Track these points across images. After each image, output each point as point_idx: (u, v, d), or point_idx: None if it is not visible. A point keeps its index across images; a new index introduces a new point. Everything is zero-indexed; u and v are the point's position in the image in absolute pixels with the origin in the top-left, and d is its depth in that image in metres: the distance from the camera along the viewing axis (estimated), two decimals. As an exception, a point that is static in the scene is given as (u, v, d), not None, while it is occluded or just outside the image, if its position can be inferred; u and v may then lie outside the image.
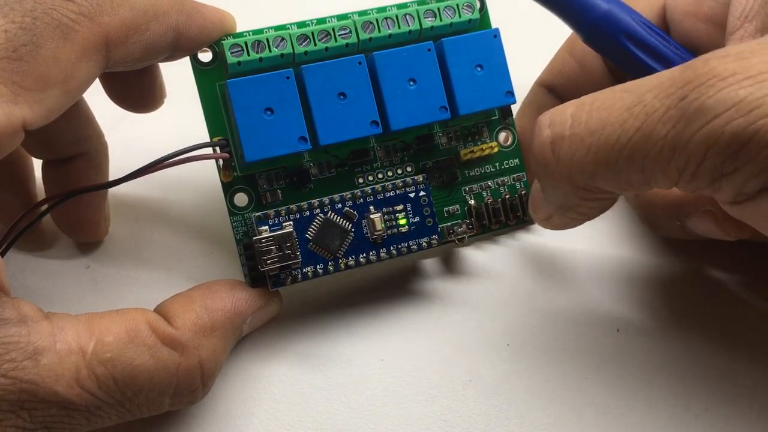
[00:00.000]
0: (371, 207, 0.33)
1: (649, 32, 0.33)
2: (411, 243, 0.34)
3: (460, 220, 0.36)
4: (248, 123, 0.32)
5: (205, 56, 0.33)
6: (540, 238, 0.37)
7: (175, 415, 0.32)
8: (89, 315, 0.28)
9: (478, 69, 0.35)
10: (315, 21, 0.34)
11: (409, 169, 0.36)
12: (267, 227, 0.32)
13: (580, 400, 0.33)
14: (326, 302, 0.35)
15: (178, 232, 0.37)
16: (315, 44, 0.33)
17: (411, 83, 0.34)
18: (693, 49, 0.34)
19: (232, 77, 0.32)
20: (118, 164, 0.35)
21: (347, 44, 0.33)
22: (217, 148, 0.33)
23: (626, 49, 0.34)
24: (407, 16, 0.34)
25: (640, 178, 0.27)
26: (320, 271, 0.32)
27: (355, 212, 0.33)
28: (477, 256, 0.37)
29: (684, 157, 0.25)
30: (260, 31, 0.33)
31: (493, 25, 0.37)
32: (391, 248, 0.33)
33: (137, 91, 0.34)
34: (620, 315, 0.35)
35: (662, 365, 0.34)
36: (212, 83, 0.33)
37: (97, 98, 0.33)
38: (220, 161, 0.33)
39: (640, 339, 0.35)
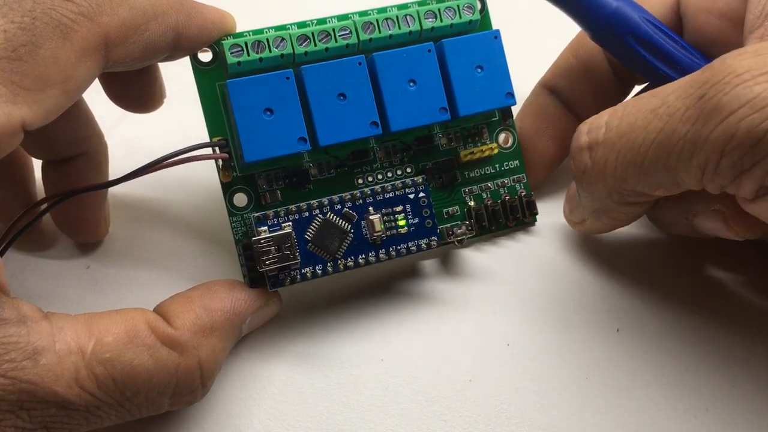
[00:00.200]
0: (371, 208, 0.33)
1: (656, 32, 0.33)
2: (410, 244, 0.34)
3: (459, 222, 0.36)
4: (248, 123, 0.32)
5: (205, 56, 0.33)
6: (540, 239, 0.37)
7: (174, 415, 0.32)
8: (88, 315, 0.28)
9: (479, 70, 0.35)
10: (315, 21, 0.34)
11: (408, 170, 0.36)
12: (266, 228, 0.32)
13: (580, 400, 0.33)
14: (326, 302, 0.35)
15: (178, 233, 0.37)
16: (315, 45, 0.33)
17: (411, 84, 0.34)
18: (706, 45, 0.34)
19: (231, 77, 0.32)
20: (118, 164, 0.35)
21: (347, 45, 0.33)
22: (217, 149, 0.33)
23: (632, 49, 0.34)
24: (408, 17, 0.34)
25: (667, 177, 0.28)
26: (319, 272, 0.32)
27: (354, 213, 0.33)
28: (476, 257, 0.37)
29: (704, 155, 0.26)
30: (260, 31, 0.33)
31: (494, 27, 0.36)
32: (391, 249, 0.33)
33: (137, 91, 0.34)
34: (620, 315, 0.35)
35: (662, 365, 0.34)
36: (212, 83, 0.33)
37: (96, 98, 0.33)
38: (220, 161, 0.33)
39: (640, 339, 0.35)
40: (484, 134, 0.37)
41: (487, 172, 0.37)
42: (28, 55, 0.25)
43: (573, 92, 0.38)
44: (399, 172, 0.36)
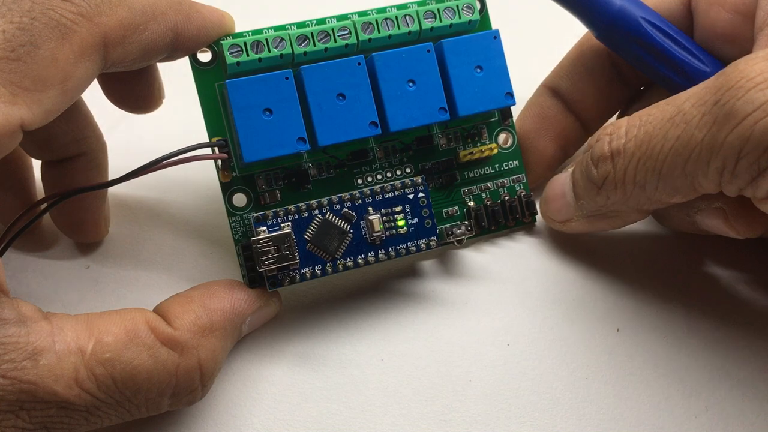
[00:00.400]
0: (370, 208, 0.33)
1: (657, 35, 0.33)
2: (410, 244, 0.34)
3: (459, 222, 0.36)
4: (247, 123, 0.32)
5: (204, 56, 0.33)
6: (539, 239, 0.37)
7: (174, 415, 0.32)
8: (88, 315, 0.28)
9: (478, 70, 0.35)
10: (314, 21, 0.34)
11: (408, 170, 0.36)
12: (265, 228, 0.32)
13: (580, 400, 0.33)
14: (326, 302, 0.35)
15: (178, 233, 0.37)
16: (314, 45, 0.33)
17: (410, 84, 0.34)
18: (717, 40, 0.34)
19: (231, 77, 0.32)
20: (117, 164, 0.35)
21: (347, 45, 0.33)
22: (216, 149, 0.33)
23: (635, 51, 0.34)
24: (407, 17, 0.34)
25: (685, 183, 0.29)
26: (318, 272, 0.32)
27: (353, 213, 0.33)
28: (476, 257, 0.37)
29: (720, 159, 0.27)
30: (259, 32, 0.33)
31: (493, 27, 0.36)
32: (390, 249, 0.33)
33: (135, 91, 0.34)
34: (620, 315, 0.35)
35: (662, 365, 0.34)
36: (211, 83, 0.33)
37: (96, 98, 0.34)
38: (219, 161, 0.33)
39: (640, 339, 0.35)
40: (484, 134, 0.37)
41: (486, 173, 0.37)
42: (27, 56, 0.25)
43: (575, 93, 0.38)
44: (398, 173, 0.36)
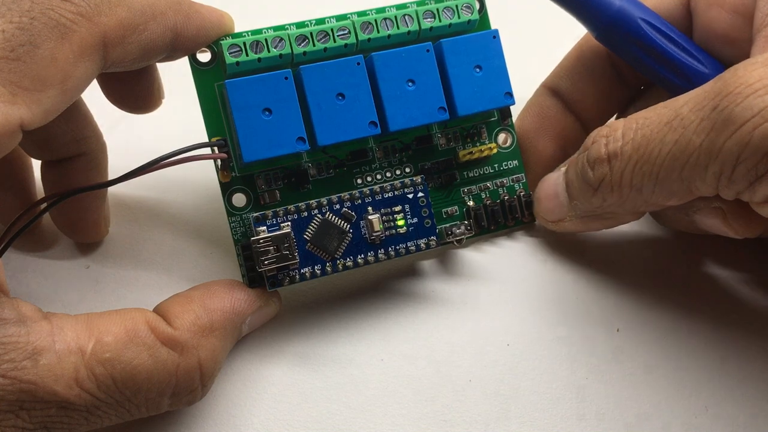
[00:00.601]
0: (369, 208, 0.33)
1: (656, 36, 0.34)
2: (409, 244, 0.34)
3: (458, 221, 0.36)
4: (246, 123, 0.32)
5: (204, 56, 0.33)
6: (539, 238, 0.37)
7: (174, 415, 0.32)
8: (88, 315, 0.28)
9: (477, 70, 0.35)
10: (314, 21, 0.34)
11: (407, 170, 0.36)
12: (265, 228, 0.32)
13: (580, 400, 0.33)
14: (326, 302, 0.35)
15: (177, 233, 0.37)
16: (314, 45, 0.33)
17: (410, 84, 0.34)
18: (716, 41, 0.34)
19: (230, 77, 0.32)
20: (117, 164, 0.35)
21: (346, 45, 0.33)
22: (216, 149, 0.33)
23: (634, 52, 0.34)
24: (406, 17, 0.34)
25: (681, 187, 0.29)
26: (318, 272, 0.32)
27: (353, 213, 0.33)
28: (475, 257, 0.37)
29: (718, 164, 0.27)
30: (259, 32, 0.33)
31: (493, 26, 0.36)
32: (390, 249, 0.33)
33: (135, 91, 0.34)
34: (620, 315, 0.35)
35: (662, 365, 0.34)
36: (211, 83, 0.33)
37: (96, 98, 0.34)
38: (219, 161, 0.33)
39: (640, 339, 0.35)
40: (483, 134, 0.37)
41: (485, 172, 0.37)
42: (26, 55, 0.25)
43: (575, 93, 0.38)
44: (398, 172, 0.36)
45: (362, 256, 0.33)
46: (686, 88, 0.30)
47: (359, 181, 0.35)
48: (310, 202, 0.33)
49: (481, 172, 0.37)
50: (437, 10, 0.35)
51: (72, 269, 0.36)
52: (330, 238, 0.33)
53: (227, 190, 0.33)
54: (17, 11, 0.26)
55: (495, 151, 0.36)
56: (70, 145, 0.34)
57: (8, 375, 0.25)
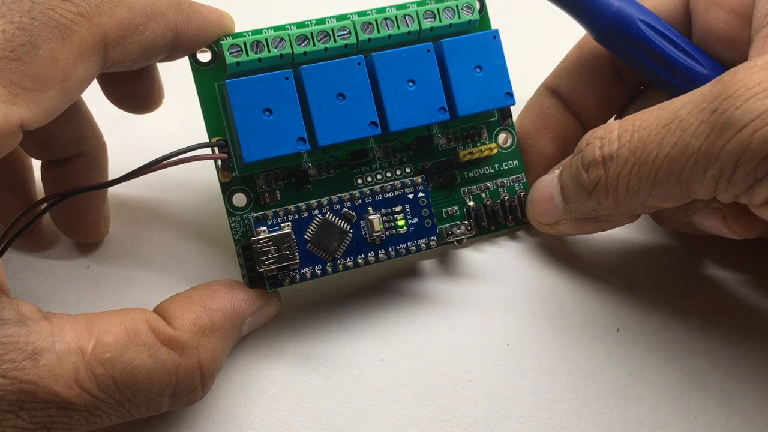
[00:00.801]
0: (370, 208, 0.33)
1: (655, 37, 0.33)
2: (410, 244, 0.34)
3: (458, 222, 0.36)
4: (247, 123, 0.32)
5: (204, 56, 0.33)
6: (539, 238, 0.37)
7: (175, 415, 0.32)
8: (88, 315, 0.28)
9: (478, 70, 0.35)
10: (314, 21, 0.34)
11: (408, 170, 0.36)
12: (265, 228, 0.32)
13: (580, 400, 0.33)
14: (326, 302, 0.35)
15: (178, 233, 0.37)
16: (314, 45, 0.33)
17: (410, 84, 0.34)
18: (715, 42, 0.34)
19: (230, 77, 0.32)
20: (117, 164, 0.35)
21: (346, 45, 0.33)
22: (216, 149, 0.33)
23: (633, 54, 0.34)
24: (407, 17, 0.34)
25: (679, 190, 0.29)
26: (318, 272, 0.32)
27: (353, 213, 0.33)
28: (476, 257, 0.37)
29: (717, 167, 0.27)
30: (259, 32, 0.33)
31: (493, 26, 0.36)
32: (390, 249, 0.33)
33: (135, 91, 0.34)
34: (620, 315, 0.35)
35: (662, 365, 0.34)
36: (211, 83, 0.33)
37: (96, 98, 0.34)
38: (219, 161, 0.33)
39: (640, 339, 0.35)
40: (483, 134, 0.37)
41: (486, 172, 0.37)
42: (26, 56, 0.25)
43: (575, 93, 0.38)
44: (398, 172, 0.36)
45: (362, 256, 0.33)
46: (685, 89, 0.30)
47: (359, 181, 0.35)
48: (311, 202, 0.33)
49: (482, 172, 0.37)
50: (437, 10, 0.35)
51: (72, 269, 0.36)
52: (330, 239, 0.33)
53: (227, 190, 0.33)
54: (17, 11, 0.26)
55: (495, 151, 0.36)
56: (70, 145, 0.34)
57: (8, 375, 0.25)
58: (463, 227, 0.35)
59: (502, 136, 0.37)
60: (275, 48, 0.32)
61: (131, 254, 0.36)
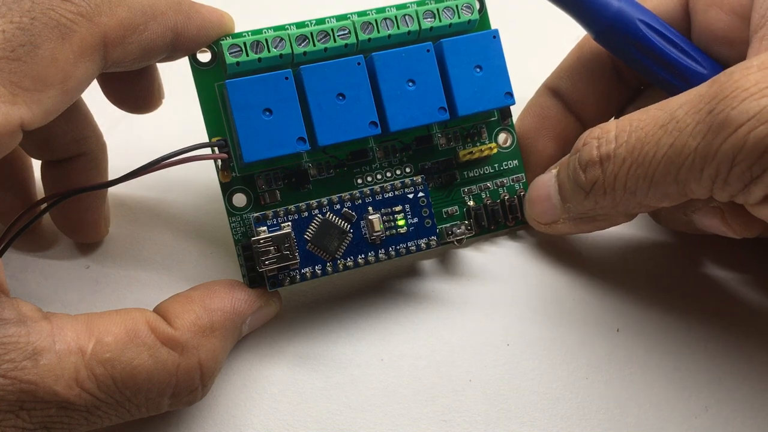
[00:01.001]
0: (370, 208, 0.33)
1: (655, 37, 0.33)
2: (410, 244, 0.34)
3: (458, 221, 0.36)
4: (247, 123, 0.32)
5: (204, 56, 0.33)
6: (539, 238, 0.37)
7: (175, 415, 0.32)
8: (88, 315, 0.28)
9: (478, 70, 0.35)
10: (314, 21, 0.34)
11: (408, 169, 0.36)
12: (265, 228, 0.32)
13: (580, 400, 0.33)
14: (326, 302, 0.35)
15: (178, 233, 0.37)
16: (314, 45, 0.33)
17: (410, 84, 0.34)
18: (715, 42, 0.34)
19: (230, 77, 0.32)
20: (117, 164, 0.35)
21: (346, 45, 0.33)
22: (216, 149, 0.33)
23: (633, 54, 0.34)
24: (406, 17, 0.34)
25: (676, 189, 0.29)
26: (318, 272, 0.32)
27: (353, 213, 0.33)
28: (476, 256, 0.37)
29: (714, 167, 0.27)
30: (259, 32, 0.33)
31: (493, 26, 0.36)
32: (390, 249, 0.33)
33: (135, 91, 0.34)
34: (620, 315, 0.35)
35: (662, 365, 0.34)
36: (211, 83, 0.33)
37: (96, 98, 0.34)
38: (219, 162, 0.33)
39: (640, 339, 0.35)
40: (483, 134, 0.37)
41: (486, 172, 0.37)
42: (27, 56, 0.25)
43: (575, 93, 0.38)
44: (398, 172, 0.36)
45: (362, 256, 0.33)
46: (684, 90, 0.30)
47: (359, 181, 0.35)
48: (311, 202, 0.33)
49: (482, 172, 0.37)
50: (437, 10, 0.35)
51: (72, 269, 0.36)
52: (330, 238, 0.33)
53: (227, 190, 0.33)
54: (18, 11, 0.26)
55: (495, 151, 0.36)
56: (70, 145, 0.34)
57: (8, 375, 0.25)
58: (463, 227, 0.35)
59: (502, 136, 0.37)
60: (275, 48, 0.32)
61: (131, 254, 0.36)
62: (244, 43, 0.32)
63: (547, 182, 0.35)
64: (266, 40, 0.32)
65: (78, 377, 0.26)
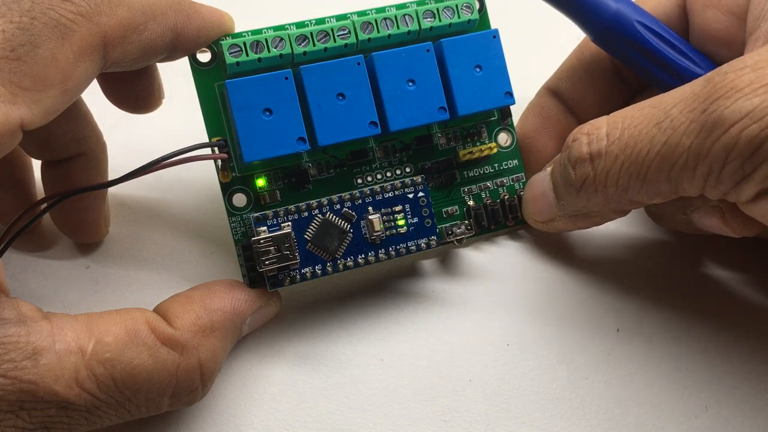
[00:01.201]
0: (370, 208, 0.33)
1: (653, 38, 0.33)
2: (410, 244, 0.34)
3: (458, 221, 0.36)
4: (247, 123, 0.32)
5: (204, 56, 0.33)
6: (538, 238, 0.37)
7: (175, 415, 0.32)
8: (88, 315, 0.28)
9: (477, 70, 0.35)
10: (314, 21, 0.34)
11: (408, 169, 0.36)
12: (266, 228, 0.32)
13: (580, 400, 0.33)
14: (326, 302, 0.35)
15: (178, 233, 0.37)
16: (314, 45, 0.33)
17: (410, 84, 0.34)
18: (712, 42, 0.34)
19: (230, 77, 0.32)
20: (117, 164, 0.35)
21: (346, 45, 0.33)
22: (216, 149, 0.33)
23: (631, 55, 0.34)
24: (406, 17, 0.34)
25: (668, 187, 0.29)
26: (319, 272, 0.32)
27: (353, 213, 0.33)
28: (476, 256, 0.37)
29: (707, 165, 0.27)
30: (259, 32, 0.33)
31: (493, 26, 0.36)
32: (390, 249, 0.33)
33: (135, 91, 0.34)
34: (620, 315, 0.35)
35: (662, 365, 0.34)
36: (211, 83, 0.33)
37: (96, 98, 0.34)
38: (219, 162, 0.33)
39: (640, 339, 0.35)
40: (483, 134, 0.37)
41: (486, 172, 0.37)
42: (26, 55, 0.25)
43: (575, 94, 0.38)
44: (398, 172, 0.36)
45: (363, 256, 0.33)
46: None
47: (359, 181, 0.35)
48: (311, 202, 0.33)
49: (482, 172, 0.37)
50: (437, 9, 0.35)
51: (72, 269, 0.36)
52: (330, 238, 0.33)
53: (227, 190, 0.33)
54: (18, 11, 0.26)
55: (495, 150, 0.36)
56: (70, 145, 0.34)
57: (8, 375, 0.25)
58: (463, 227, 0.35)
59: (502, 136, 0.37)
60: (275, 48, 0.32)
61: (131, 254, 0.36)
62: (244, 43, 0.32)
63: (542, 180, 0.35)
64: (266, 40, 0.32)
65: (78, 377, 0.26)
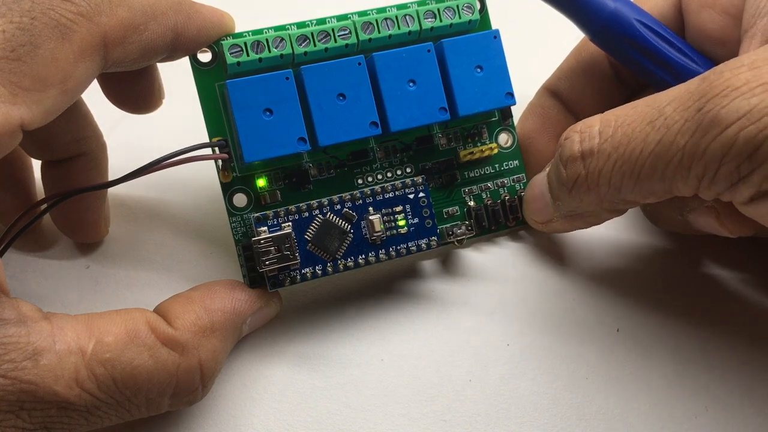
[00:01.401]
0: (370, 208, 0.33)
1: (651, 36, 0.33)
2: (410, 244, 0.34)
3: (459, 222, 0.36)
4: (247, 123, 0.32)
5: (205, 56, 0.33)
6: (539, 238, 0.37)
7: (175, 416, 0.32)
8: (88, 315, 0.28)
9: (478, 70, 0.35)
10: (315, 21, 0.34)
11: (408, 170, 0.36)
12: (266, 228, 0.32)
13: (580, 400, 0.33)
14: (326, 302, 0.35)
15: (178, 233, 0.37)
16: (314, 45, 0.33)
17: (411, 84, 0.34)
18: (708, 42, 0.34)
19: (231, 78, 0.32)
20: (117, 164, 0.35)
21: (347, 45, 0.33)
22: (217, 149, 0.33)
23: (629, 53, 0.34)
24: (407, 17, 0.34)
25: (662, 187, 0.29)
26: (319, 272, 0.32)
27: (354, 213, 0.33)
28: (476, 257, 0.37)
29: (702, 165, 0.27)
30: (260, 32, 0.33)
31: (493, 26, 0.36)
32: (391, 249, 0.33)
33: (135, 91, 0.34)
34: (620, 315, 0.35)
35: (662, 365, 0.34)
36: (211, 83, 0.33)
37: (96, 98, 0.33)
38: (220, 162, 0.33)
39: (640, 339, 0.35)
40: (484, 134, 0.37)
41: (486, 172, 0.37)
42: (27, 56, 0.25)
43: (574, 94, 0.38)
44: (399, 172, 0.36)
45: (363, 256, 0.33)
46: None
47: (360, 181, 0.35)
48: (311, 202, 0.33)
49: (482, 173, 0.37)
50: (438, 10, 0.34)
51: (72, 269, 0.36)
52: (331, 239, 0.33)
53: (228, 190, 0.33)
54: (18, 11, 0.26)
55: (496, 151, 0.36)
56: (70, 145, 0.34)
57: (9, 375, 0.25)
58: (463, 227, 0.35)
59: (502, 136, 0.37)
60: (276, 48, 0.32)
61: (131, 254, 0.36)
62: (245, 43, 0.32)
63: (540, 181, 0.35)
64: (267, 40, 0.32)
65: (78, 377, 0.26)
